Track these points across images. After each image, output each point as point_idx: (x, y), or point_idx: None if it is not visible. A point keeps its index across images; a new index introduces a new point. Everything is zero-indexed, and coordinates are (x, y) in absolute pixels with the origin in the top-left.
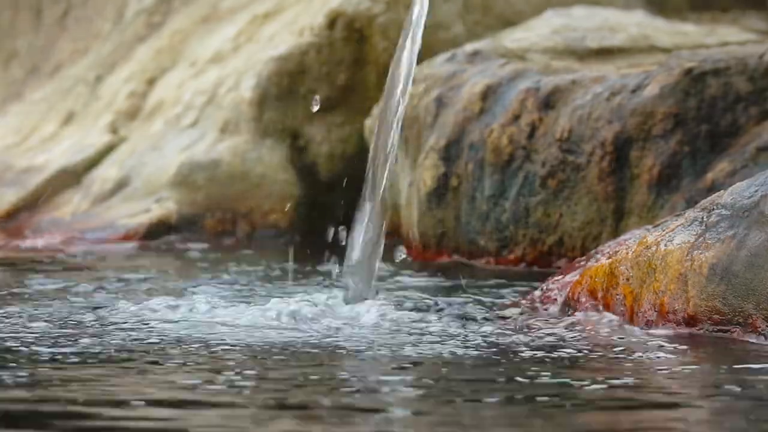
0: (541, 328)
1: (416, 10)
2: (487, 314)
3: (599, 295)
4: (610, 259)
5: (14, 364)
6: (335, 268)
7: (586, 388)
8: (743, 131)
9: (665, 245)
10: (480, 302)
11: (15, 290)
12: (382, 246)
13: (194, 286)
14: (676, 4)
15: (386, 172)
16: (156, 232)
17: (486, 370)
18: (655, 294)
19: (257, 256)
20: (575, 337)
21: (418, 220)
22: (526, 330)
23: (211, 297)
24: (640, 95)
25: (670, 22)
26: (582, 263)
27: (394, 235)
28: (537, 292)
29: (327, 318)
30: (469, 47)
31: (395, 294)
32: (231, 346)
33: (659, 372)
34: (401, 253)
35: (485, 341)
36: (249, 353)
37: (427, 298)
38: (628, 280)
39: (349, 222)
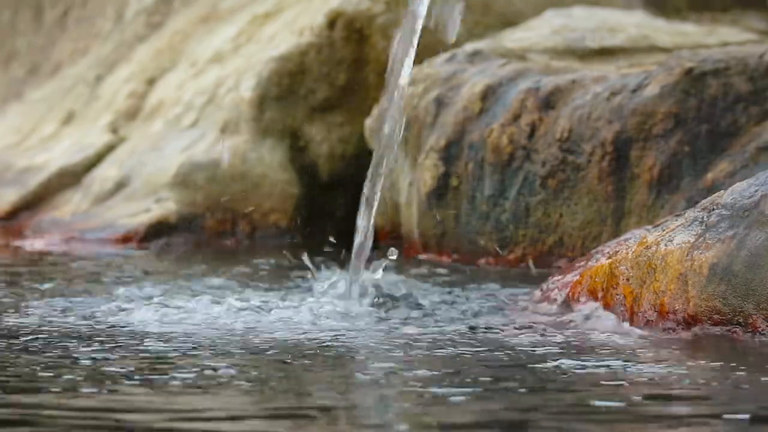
0: (541, 328)
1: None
2: (486, 314)
3: (599, 295)
4: (610, 259)
5: None
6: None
7: (586, 387)
8: (743, 131)
9: (665, 245)
10: (480, 303)
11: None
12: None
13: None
14: (676, 4)
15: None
16: (156, 232)
17: (485, 370)
18: (655, 294)
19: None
20: (575, 337)
21: (418, 220)
22: (525, 330)
23: None
24: (640, 95)
25: (670, 22)
26: (582, 263)
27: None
28: (537, 292)
29: None
30: (469, 47)
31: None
32: None
33: (659, 372)
34: (393, 255)
35: (485, 342)
36: None
37: (427, 298)
38: (628, 280)
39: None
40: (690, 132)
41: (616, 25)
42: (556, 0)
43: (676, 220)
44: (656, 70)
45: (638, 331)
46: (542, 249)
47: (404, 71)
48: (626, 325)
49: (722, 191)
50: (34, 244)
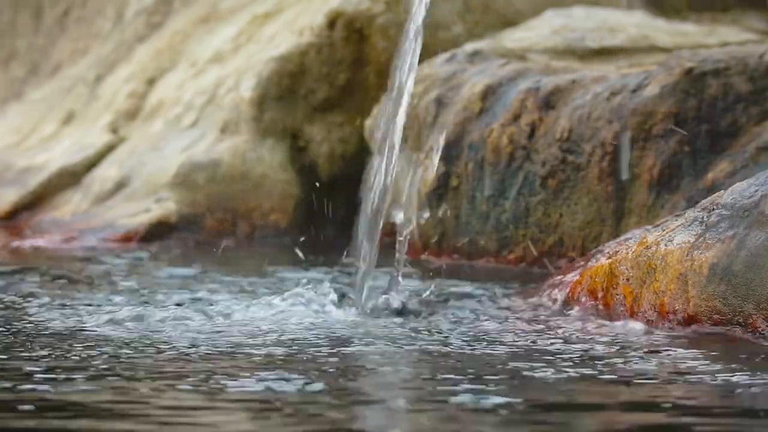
0: (541, 328)
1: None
2: (486, 316)
3: (599, 295)
4: (610, 259)
5: None
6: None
7: (586, 388)
8: (743, 131)
9: (665, 245)
10: (480, 303)
11: None
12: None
13: None
14: (676, 4)
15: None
16: (156, 232)
17: (486, 370)
18: (655, 294)
19: None
20: (574, 337)
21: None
22: (525, 330)
23: None
24: (640, 95)
25: (670, 22)
26: (582, 263)
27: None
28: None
29: None
30: (469, 47)
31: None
32: None
33: (658, 372)
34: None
35: (484, 343)
36: None
37: (426, 298)
38: (628, 280)
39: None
40: (690, 132)
41: (616, 25)
42: (556, 0)
43: (676, 220)
44: (656, 70)
45: (638, 331)
46: (542, 249)
47: (409, 73)
48: (626, 324)
49: (722, 191)
50: (33, 243)
